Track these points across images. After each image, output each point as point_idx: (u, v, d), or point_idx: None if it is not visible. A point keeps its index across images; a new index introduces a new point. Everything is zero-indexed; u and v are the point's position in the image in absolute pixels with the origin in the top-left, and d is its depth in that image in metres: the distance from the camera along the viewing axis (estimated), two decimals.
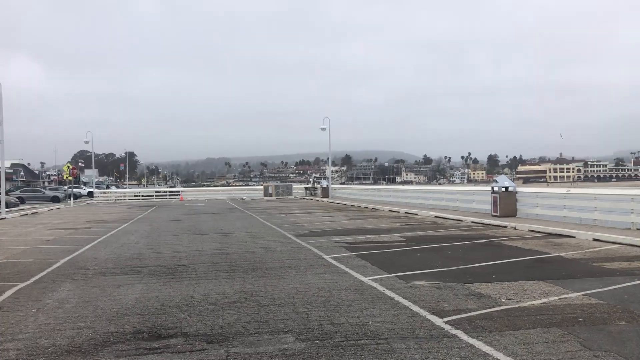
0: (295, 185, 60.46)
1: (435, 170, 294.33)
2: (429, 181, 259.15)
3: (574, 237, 13.98)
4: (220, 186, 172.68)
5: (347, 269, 9.77)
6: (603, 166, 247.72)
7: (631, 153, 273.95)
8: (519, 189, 21.21)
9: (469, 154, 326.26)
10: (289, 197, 52.25)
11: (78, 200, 56.77)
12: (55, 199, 51.39)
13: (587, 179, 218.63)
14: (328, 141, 49.10)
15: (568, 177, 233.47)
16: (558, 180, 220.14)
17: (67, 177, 51.77)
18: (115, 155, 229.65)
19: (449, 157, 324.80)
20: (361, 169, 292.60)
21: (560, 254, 11.13)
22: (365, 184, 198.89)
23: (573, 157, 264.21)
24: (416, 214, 23.86)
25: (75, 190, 65.32)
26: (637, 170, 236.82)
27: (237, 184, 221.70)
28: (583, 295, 7.30)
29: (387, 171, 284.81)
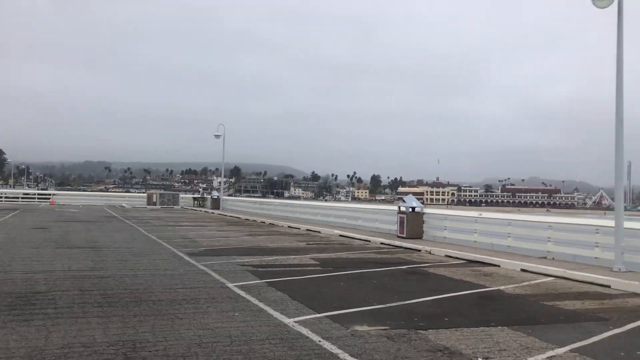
0: (182, 195, 56.79)
1: (322, 187, 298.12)
2: (316, 197, 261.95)
3: (499, 265, 12.90)
4: (99, 191, 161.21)
5: (261, 305, 7.64)
6: (474, 191, 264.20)
7: (499, 181, 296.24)
8: (426, 210, 20.25)
9: (355, 173, 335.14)
10: (175, 207, 48.65)
11: None
12: None
13: (460, 203, 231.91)
14: (222, 150, 46.34)
15: (443, 199, 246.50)
16: (434, 203, 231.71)
17: None
18: None
19: (336, 175, 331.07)
20: (250, 181, 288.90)
21: (500, 288, 9.81)
22: (254, 196, 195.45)
23: (448, 182, 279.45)
24: (319, 232, 22.16)
25: None
26: (504, 196, 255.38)
27: (118, 190, 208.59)
28: (571, 351, 5.80)
29: (276, 185, 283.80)
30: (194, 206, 50.03)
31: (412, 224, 19.72)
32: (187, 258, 12.75)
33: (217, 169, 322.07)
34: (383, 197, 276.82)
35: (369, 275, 10.87)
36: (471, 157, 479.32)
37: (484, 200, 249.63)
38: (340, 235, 20.52)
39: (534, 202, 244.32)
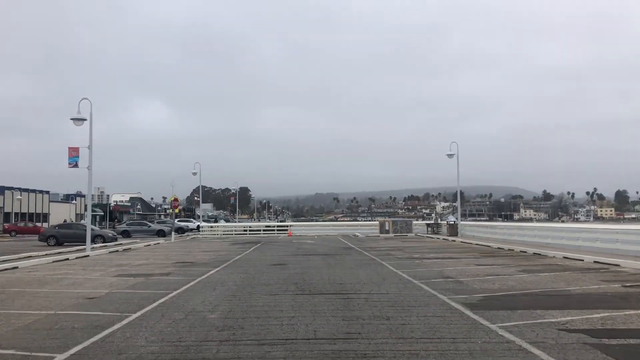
0: (414, 222, 53.69)
1: (556, 207, 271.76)
2: (550, 218, 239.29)
3: None
4: (329, 221, 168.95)
5: None
6: None
7: None
8: None
9: (595, 189, 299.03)
10: (408, 234, 45.55)
11: (185, 234, 54.06)
12: (160, 233, 48.82)
13: None
14: (456, 169, 42.04)
15: None
16: None
17: (170, 211, 49.14)
18: (230, 190, 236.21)
19: (572, 193, 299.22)
20: (475, 204, 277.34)
21: None
22: (480, 220, 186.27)
23: None
24: (617, 265, 16.44)
25: (184, 223, 63.23)
26: None
27: (346, 219, 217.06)
28: None
29: (503, 207, 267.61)
30: (428, 233, 46.37)
31: None
32: (469, 313, 8.84)
33: (439, 194, 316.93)
34: (634, 216, 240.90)
35: None
36: None
37: None
38: None
39: None
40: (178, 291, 12.03)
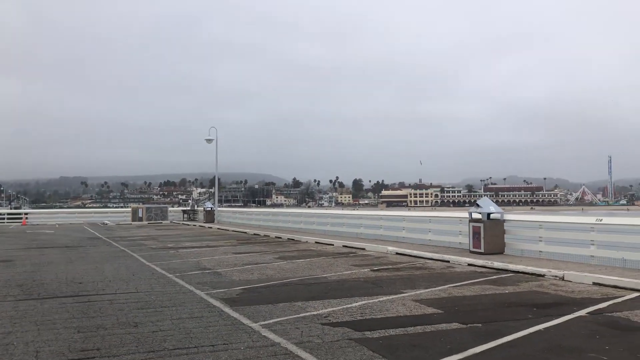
0: (170, 208, 51.62)
1: (304, 194, 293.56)
2: (299, 204, 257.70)
3: None
4: (75, 208, 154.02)
5: None
6: (457, 192, 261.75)
7: (480, 180, 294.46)
8: (507, 216, 15.88)
9: (337, 178, 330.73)
10: (164, 222, 43.54)
11: None
12: None
13: (444, 204, 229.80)
14: (214, 156, 41.62)
15: (427, 201, 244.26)
16: (418, 205, 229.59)
17: None
18: None
19: (319, 181, 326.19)
20: (231, 191, 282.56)
21: None
22: (235, 206, 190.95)
23: (431, 183, 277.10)
24: (363, 249, 17.56)
25: None
26: (486, 196, 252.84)
27: (95, 206, 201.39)
28: None
29: (257, 193, 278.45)
30: (184, 220, 44.99)
31: (492, 236, 15.34)
32: (229, 311, 8.05)
33: (196, 180, 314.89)
34: (367, 202, 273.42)
35: (563, 342, 6.32)
36: (450, 158, 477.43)
37: (467, 200, 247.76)
38: (397, 254, 15.97)
39: (517, 200, 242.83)
40: None
